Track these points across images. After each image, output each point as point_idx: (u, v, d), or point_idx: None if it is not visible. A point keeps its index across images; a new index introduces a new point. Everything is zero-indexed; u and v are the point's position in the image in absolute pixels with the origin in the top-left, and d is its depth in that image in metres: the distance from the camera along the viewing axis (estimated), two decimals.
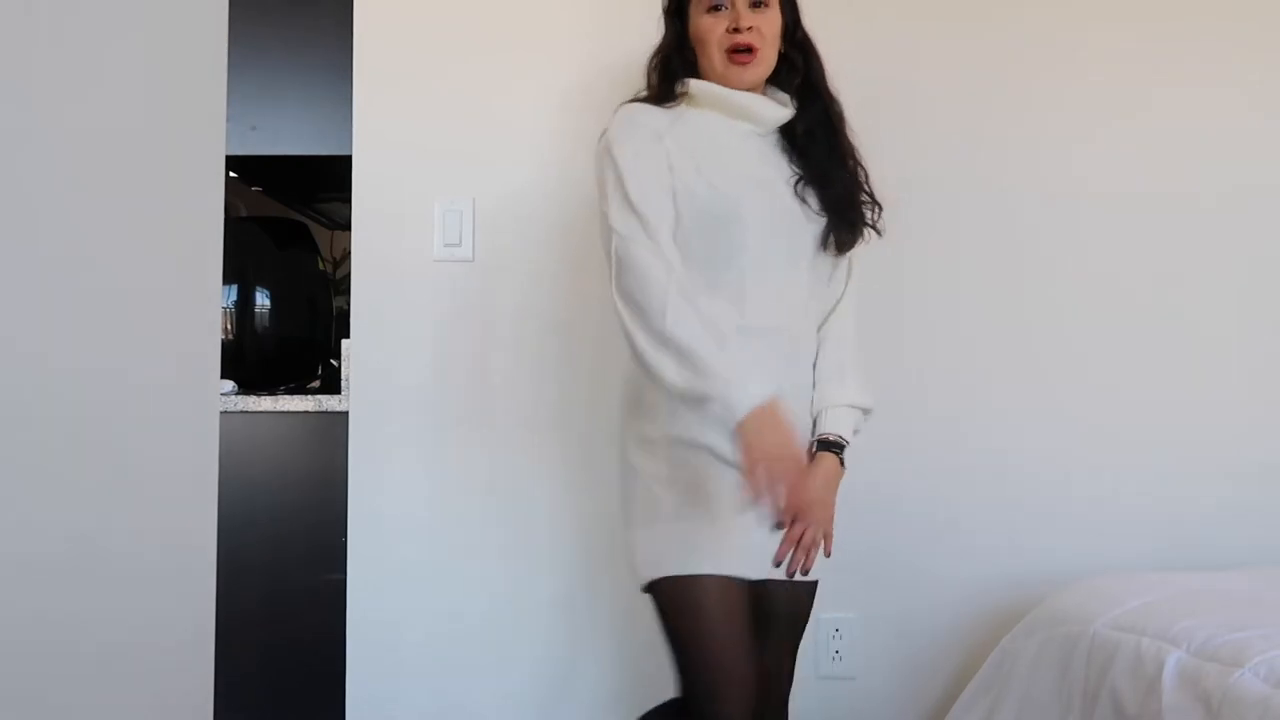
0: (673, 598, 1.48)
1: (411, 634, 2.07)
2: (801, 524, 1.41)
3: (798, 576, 1.45)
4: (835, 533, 1.51)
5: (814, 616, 2.08)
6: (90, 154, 0.79)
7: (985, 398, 2.13)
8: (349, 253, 2.34)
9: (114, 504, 0.82)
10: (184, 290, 0.91)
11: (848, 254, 1.63)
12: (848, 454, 1.58)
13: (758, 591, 1.53)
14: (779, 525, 1.39)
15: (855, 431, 1.60)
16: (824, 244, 1.58)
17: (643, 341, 1.42)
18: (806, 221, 1.56)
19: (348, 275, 2.20)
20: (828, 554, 1.47)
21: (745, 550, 1.48)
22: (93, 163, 0.80)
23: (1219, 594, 1.71)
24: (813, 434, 1.58)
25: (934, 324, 2.13)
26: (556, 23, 1.83)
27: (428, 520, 2.07)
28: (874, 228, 1.63)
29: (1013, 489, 2.13)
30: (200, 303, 0.93)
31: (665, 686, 2.00)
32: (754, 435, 1.35)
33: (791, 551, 1.42)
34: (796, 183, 1.56)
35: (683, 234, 1.50)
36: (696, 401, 1.40)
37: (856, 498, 2.10)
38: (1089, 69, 2.16)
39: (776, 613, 1.60)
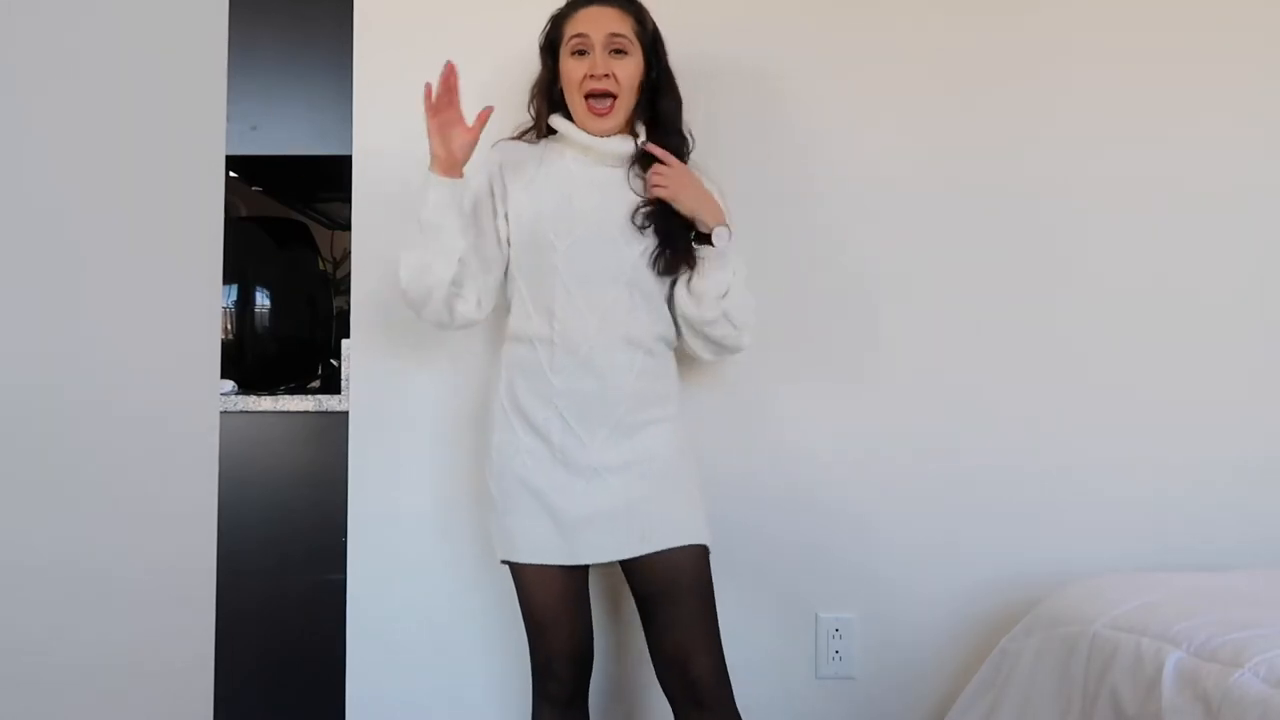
0: (513, 578, 1.73)
1: (411, 634, 2.06)
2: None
3: (665, 545, 1.64)
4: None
5: (814, 616, 2.10)
6: (91, 154, 0.79)
7: (984, 397, 2.13)
8: (349, 253, 2.34)
9: (114, 503, 0.82)
10: (184, 290, 0.91)
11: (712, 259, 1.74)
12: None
13: (631, 569, 1.69)
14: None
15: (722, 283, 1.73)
16: (652, 265, 1.72)
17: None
18: (629, 247, 1.71)
19: (348, 275, 2.21)
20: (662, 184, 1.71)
21: (547, 540, 1.67)
22: (93, 163, 0.80)
23: (1219, 594, 1.71)
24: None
25: (932, 325, 2.12)
26: None
27: (427, 520, 2.07)
28: (688, 258, 1.72)
29: (1012, 489, 2.12)
30: (200, 303, 0.93)
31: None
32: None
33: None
34: (633, 213, 1.71)
35: (515, 255, 1.75)
36: (433, 238, 1.68)
37: (856, 498, 2.11)
38: (1090, 71, 2.16)
39: (657, 586, 1.67)
